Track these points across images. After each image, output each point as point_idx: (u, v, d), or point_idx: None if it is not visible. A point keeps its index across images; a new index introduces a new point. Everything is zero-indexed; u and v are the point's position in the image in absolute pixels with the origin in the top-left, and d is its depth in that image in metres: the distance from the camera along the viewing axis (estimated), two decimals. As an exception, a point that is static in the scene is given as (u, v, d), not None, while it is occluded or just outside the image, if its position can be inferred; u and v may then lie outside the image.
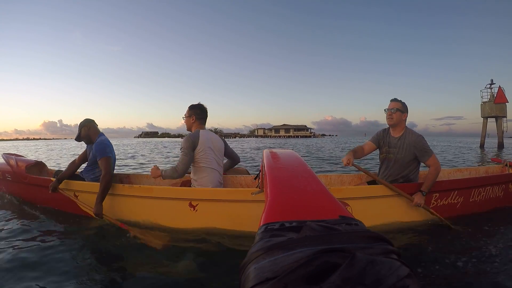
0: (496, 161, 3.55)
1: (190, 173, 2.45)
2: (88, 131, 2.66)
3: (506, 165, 3.22)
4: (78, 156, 2.85)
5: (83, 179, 2.71)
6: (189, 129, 2.49)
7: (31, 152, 16.82)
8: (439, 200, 2.31)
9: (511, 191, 2.71)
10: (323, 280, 0.30)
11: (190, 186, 2.43)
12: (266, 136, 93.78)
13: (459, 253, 1.86)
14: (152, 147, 22.28)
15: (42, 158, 10.01)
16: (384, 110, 2.39)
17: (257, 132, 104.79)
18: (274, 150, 1.16)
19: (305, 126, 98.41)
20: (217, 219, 2.17)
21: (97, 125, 2.75)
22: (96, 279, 1.63)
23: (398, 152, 2.32)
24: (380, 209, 2.20)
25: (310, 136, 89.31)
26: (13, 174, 3.04)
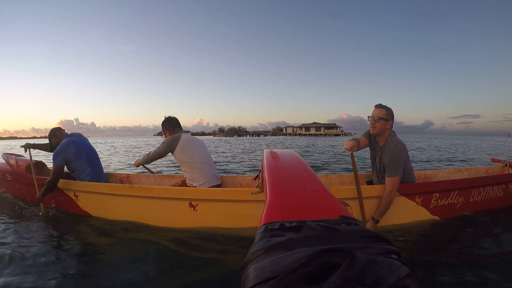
0: (496, 161, 3.55)
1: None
2: (56, 140, 2.83)
3: (506, 165, 3.22)
4: None
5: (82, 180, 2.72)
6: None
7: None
8: (439, 200, 2.31)
9: (511, 191, 2.72)
10: (323, 280, 0.30)
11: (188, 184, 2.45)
12: (296, 135, 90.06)
13: (459, 253, 1.86)
14: None
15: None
16: (368, 117, 2.21)
17: (286, 131, 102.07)
18: (274, 150, 1.16)
19: (335, 124, 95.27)
20: (217, 219, 2.17)
21: (64, 131, 2.91)
22: (95, 278, 1.63)
23: (379, 161, 2.23)
24: None
25: (339, 135, 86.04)
26: (13, 174, 3.04)
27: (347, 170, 6.33)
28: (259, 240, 0.39)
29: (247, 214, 2.07)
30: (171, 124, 2.66)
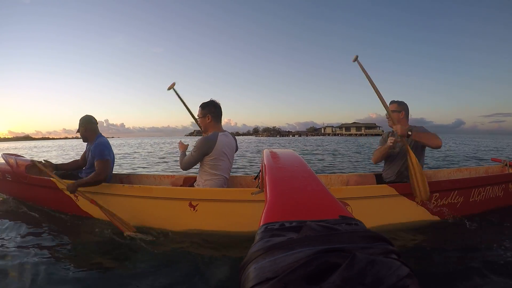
0: (496, 161, 3.55)
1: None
2: (84, 132, 2.64)
3: (506, 165, 3.22)
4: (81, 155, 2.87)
5: (75, 177, 2.73)
6: (205, 130, 2.33)
7: (76, 150, 17.67)
8: (439, 200, 2.31)
9: (511, 191, 2.72)
10: (323, 280, 0.30)
11: (193, 184, 2.42)
12: (336, 135, 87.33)
13: (459, 253, 1.86)
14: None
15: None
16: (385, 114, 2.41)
17: (325, 130, 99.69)
18: (274, 150, 1.16)
19: (375, 124, 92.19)
20: (217, 219, 2.17)
21: (97, 124, 2.71)
22: (95, 279, 1.64)
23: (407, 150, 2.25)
24: (380, 209, 2.20)
25: (380, 134, 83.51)
26: (13, 174, 3.03)
27: (348, 170, 6.32)
28: (259, 240, 0.39)
29: (247, 214, 2.07)
30: (216, 110, 2.26)
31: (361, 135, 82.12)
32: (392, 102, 2.45)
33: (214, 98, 2.33)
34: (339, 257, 0.32)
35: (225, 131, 2.34)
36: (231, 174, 2.89)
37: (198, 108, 2.32)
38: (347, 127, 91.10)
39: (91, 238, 2.23)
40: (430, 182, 2.42)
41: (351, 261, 0.31)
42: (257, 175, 2.49)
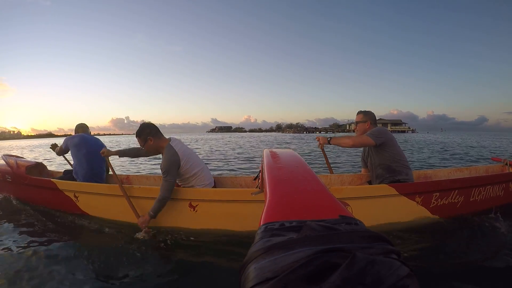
0: (496, 160, 3.55)
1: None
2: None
3: (506, 164, 3.22)
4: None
5: (75, 179, 2.75)
6: (158, 150, 2.30)
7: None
8: (439, 200, 2.30)
9: (511, 190, 2.71)
10: (323, 280, 0.30)
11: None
12: None
13: (459, 253, 1.86)
14: (258, 143, 18.75)
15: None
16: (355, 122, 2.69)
17: (350, 127, 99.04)
18: (274, 150, 1.16)
19: (400, 120, 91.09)
20: (217, 220, 2.17)
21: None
22: (95, 278, 1.63)
23: (372, 153, 2.49)
24: (380, 209, 2.20)
25: (405, 131, 79.96)
26: (13, 175, 3.03)
27: (348, 170, 6.33)
28: (259, 240, 0.39)
29: (247, 214, 2.07)
30: (152, 129, 2.25)
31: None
32: (359, 113, 2.63)
33: (142, 121, 2.36)
34: (339, 257, 0.32)
35: (169, 138, 2.31)
36: (231, 174, 2.89)
37: (137, 139, 2.29)
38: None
39: (91, 238, 2.23)
40: (430, 182, 2.42)
41: (351, 261, 0.31)
42: (257, 175, 2.49)
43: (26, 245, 2.09)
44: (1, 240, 2.19)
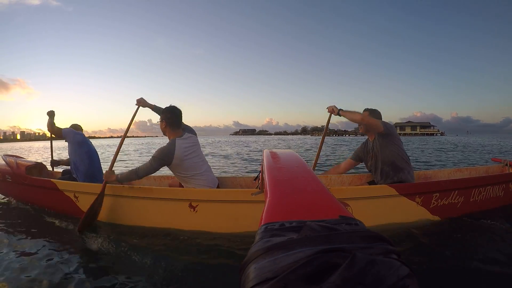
0: (496, 161, 3.55)
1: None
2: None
3: (506, 164, 3.22)
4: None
5: (75, 179, 2.77)
6: (164, 134, 2.37)
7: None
8: (439, 200, 2.30)
9: None
10: (323, 280, 0.30)
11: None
12: None
13: (460, 253, 1.85)
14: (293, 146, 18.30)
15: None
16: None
17: None
18: (273, 150, 1.16)
19: (429, 123, 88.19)
20: (217, 220, 2.17)
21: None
22: (94, 279, 1.63)
23: (377, 149, 2.49)
24: (380, 209, 2.20)
25: (433, 134, 77.16)
26: (13, 175, 3.03)
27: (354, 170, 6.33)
28: (259, 240, 0.39)
29: (247, 215, 2.07)
30: (172, 116, 2.28)
31: (416, 134, 77.53)
32: (365, 110, 2.65)
33: (175, 104, 2.37)
34: (339, 257, 0.32)
35: (184, 133, 2.33)
36: (231, 175, 2.89)
37: None
38: (401, 126, 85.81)
39: (90, 239, 2.23)
40: (430, 182, 2.42)
41: (351, 261, 0.31)
42: (257, 175, 2.49)
43: (25, 245, 2.08)
44: (1, 240, 2.19)
